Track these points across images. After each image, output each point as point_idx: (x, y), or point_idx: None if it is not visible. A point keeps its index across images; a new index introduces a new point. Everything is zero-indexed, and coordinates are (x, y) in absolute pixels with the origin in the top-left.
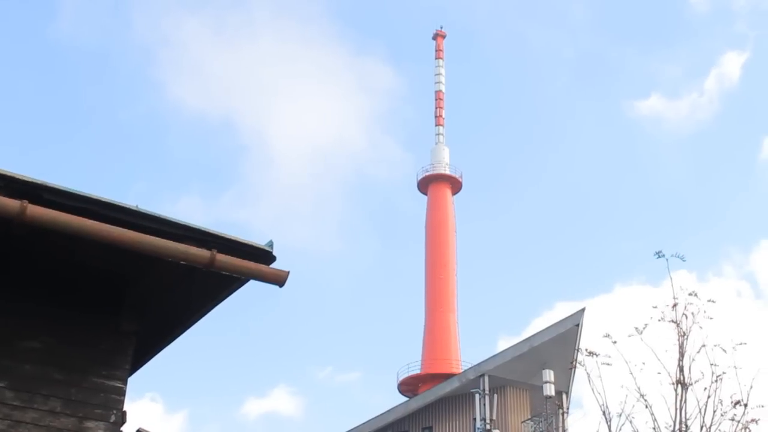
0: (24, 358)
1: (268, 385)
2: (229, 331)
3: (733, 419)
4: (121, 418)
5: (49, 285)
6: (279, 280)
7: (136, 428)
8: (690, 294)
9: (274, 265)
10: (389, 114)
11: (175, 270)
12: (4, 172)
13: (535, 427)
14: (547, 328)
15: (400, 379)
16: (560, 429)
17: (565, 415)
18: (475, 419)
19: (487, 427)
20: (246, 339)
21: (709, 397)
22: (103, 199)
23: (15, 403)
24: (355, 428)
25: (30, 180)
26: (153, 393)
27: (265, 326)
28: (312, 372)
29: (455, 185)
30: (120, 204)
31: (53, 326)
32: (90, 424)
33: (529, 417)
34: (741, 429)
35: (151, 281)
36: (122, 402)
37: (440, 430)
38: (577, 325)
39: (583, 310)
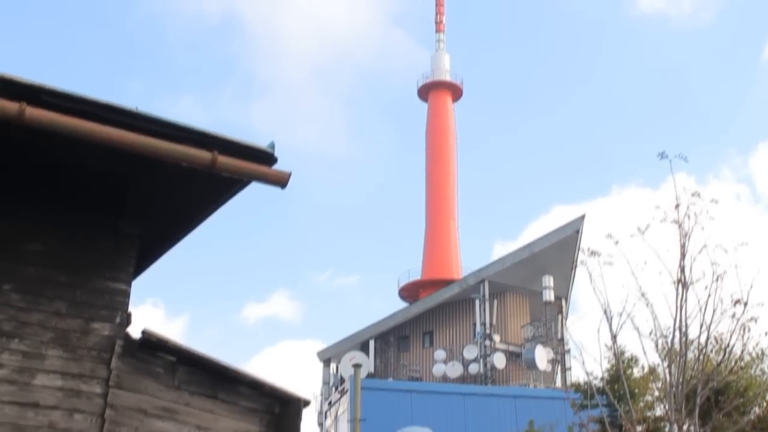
0: (27, 261)
1: (267, 289)
2: (229, 236)
3: (732, 317)
4: (126, 320)
5: (51, 188)
6: (281, 181)
7: (141, 329)
8: (693, 195)
9: (275, 167)
10: (404, 13)
11: (176, 172)
12: (1, 75)
13: (534, 332)
14: (547, 234)
15: (401, 285)
16: (559, 333)
17: (565, 320)
18: (475, 324)
19: (487, 331)
20: (245, 244)
21: (709, 296)
22: (102, 101)
23: (21, 305)
24: (356, 333)
25: (28, 82)
26: (154, 298)
27: (264, 231)
28: (311, 276)
29: (456, 92)
30: (119, 105)
31: (55, 229)
32: (96, 325)
33: (529, 322)
34: (740, 327)
35: (152, 184)
36: (127, 304)
37: (441, 335)
38: (577, 231)
39: (583, 216)
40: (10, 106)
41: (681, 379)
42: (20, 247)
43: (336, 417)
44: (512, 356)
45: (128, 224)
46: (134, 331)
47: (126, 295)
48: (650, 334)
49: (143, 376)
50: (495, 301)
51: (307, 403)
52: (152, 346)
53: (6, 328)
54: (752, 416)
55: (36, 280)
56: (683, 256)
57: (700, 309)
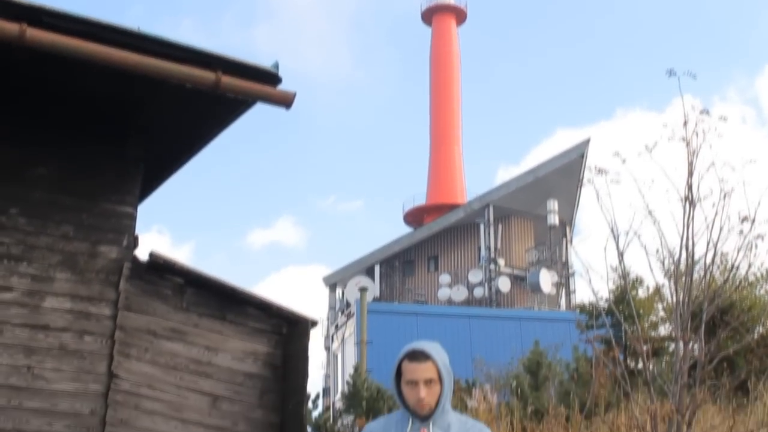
0: (33, 186)
1: (271, 215)
2: (233, 162)
3: (740, 234)
4: (133, 242)
5: (54, 112)
6: (285, 101)
7: (148, 251)
8: (701, 112)
9: (280, 87)
10: None
11: (180, 94)
12: None
13: (538, 256)
14: (552, 159)
15: (406, 210)
16: (564, 257)
17: (569, 244)
18: (479, 248)
19: (492, 256)
20: (249, 170)
21: (716, 213)
22: (104, 22)
23: (28, 229)
24: (361, 258)
25: (28, 2)
26: (160, 225)
27: (267, 156)
28: (315, 201)
29: (460, 16)
30: (121, 26)
31: (60, 153)
32: (103, 248)
33: (533, 246)
34: (747, 244)
35: (156, 106)
36: (133, 227)
37: (445, 259)
38: (582, 156)
39: (588, 140)
40: (11, 28)
41: (686, 299)
42: (26, 172)
43: (342, 340)
44: (517, 280)
45: (133, 148)
46: (141, 253)
47: (132, 218)
48: (656, 252)
49: (151, 298)
50: (499, 226)
51: (314, 323)
52: (160, 268)
53: (14, 252)
54: (756, 335)
55: (42, 205)
56: (691, 174)
57: (707, 227)
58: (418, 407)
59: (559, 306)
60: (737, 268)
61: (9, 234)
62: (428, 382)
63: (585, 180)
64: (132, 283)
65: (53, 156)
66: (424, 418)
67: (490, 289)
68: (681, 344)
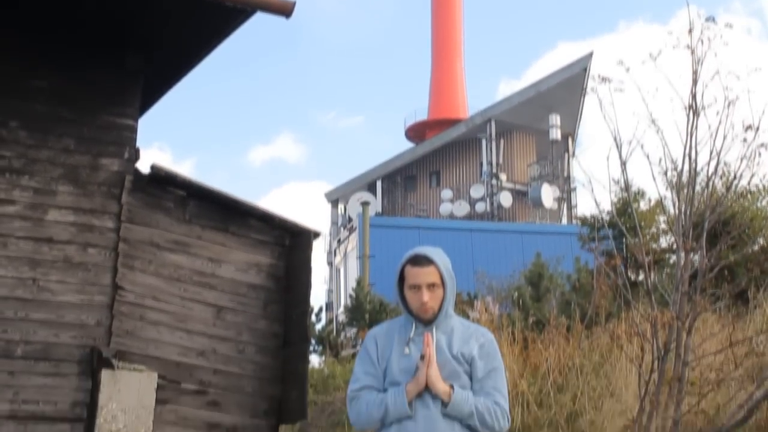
0: (33, 98)
1: (272, 131)
2: (233, 78)
3: (743, 142)
4: (135, 155)
5: (54, 24)
6: (285, 10)
7: (150, 164)
8: (707, 20)
9: None
10: None
11: (180, 4)
12: None
13: (540, 171)
14: (555, 73)
15: (407, 125)
16: (565, 172)
17: (571, 158)
18: (481, 164)
19: (494, 171)
20: (249, 85)
21: (720, 122)
22: None
23: (29, 143)
24: (363, 174)
25: None
26: (161, 142)
27: (267, 72)
28: (315, 117)
29: None
30: None
31: (60, 66)
32: (104, 161)
33: (535, 161)
34: (751, 153)
35: (155, 17)
36: (134, 139)
37: (447, 174)
38: (585, 69)
39: (590, 54)
40: None
41: (689, 209)
42: (25, 85)
43: (345, 255)
44: (518, 195)
45: (133, 60)
46: (143, 167)
47: (133, 130)
48: (659, 162)
49: (154, 210)
50: (501, 141)
51: (317, 234)
52: (162, 180)
53: (16, 166)
54: (756, 247)
55: (43, 117)
56: (695, 82)
57: (711, 136)
58: (421, 311)
59: (561, 221)
60: (740, 177)
61: (10, 147)
62: (431, 287)
63: (588, 89)
64: (134, 195)
65: (53, 69)
66: (428, 322)
67: (491, 204)
68: (682, 253)
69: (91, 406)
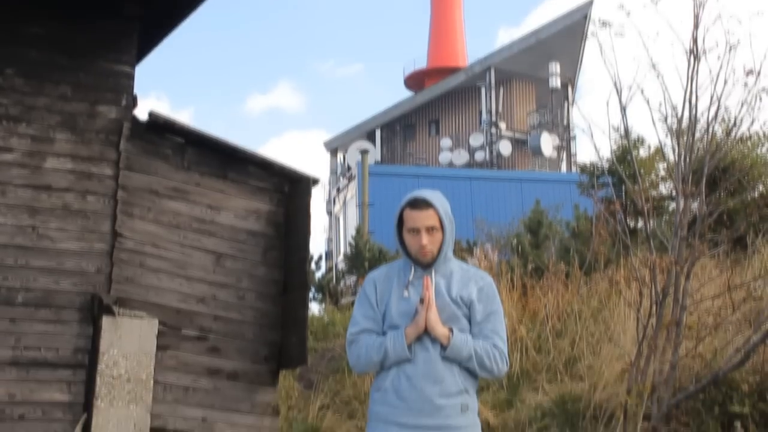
0: (29, 44)
1: (270, 80)
2: (231, 27)
3: (744, 86)
4: (132, 102)
5: None
6: None
7: (148, 111)
8: None
9: None
10: None
11: None
12: None
13: (540, 119)
14: (555, 20)
15: (406, 73)
16: (565, 120)
17: (571, 106)
18: (481, 112)
19: (493, 119)
20: (247, 34)
21: (721, 67)
22: None
23: (25, 90)
24: (362, 123)
25: None
26: (158, 91)
27: (264, 19)
28: (313, 65)
29: None
30: None
31: (56, 12)
32: (102, 108)
33: (535, 109)
34: (752, 98)
35: None
36: (131, 86)
37: (446, 123)
38: (585, 17)
39: (591, 1)
40: None
41: (688, 155)
42: (20, 31)
43: (344, 203)
44: (518, 143)
45: (129, 6)
46: (141, 114)
47: (130, 77)
48: (659, 106)
49: (152, 157)
50: (501, 89)
51: (316, 181)
52: (160, 127)
53: (13, 113)
54: (756, 193)
55: (39, 64)
56: (696, 26)
57: (712, 80)
58: (420, 254)
59: (560, 170)
60: (741, 121)
61: (6, 94)
62: (430, 230)
63: (588, 34)
64: (132, 142)
65: (49, 15)
66: (426, 265)
67: (491, 152)
68: (681, 198)
69: (93, 352)
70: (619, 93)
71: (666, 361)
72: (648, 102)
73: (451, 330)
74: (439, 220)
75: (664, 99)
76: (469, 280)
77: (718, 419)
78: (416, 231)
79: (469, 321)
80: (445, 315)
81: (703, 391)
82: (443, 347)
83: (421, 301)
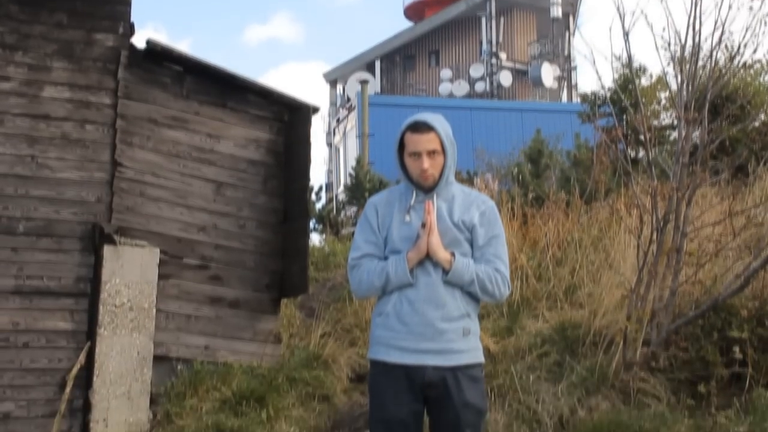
0: None
1: (268, 10)
2: None
3: (749, 11)
4: (129, 30)
5: None
6: None
7: (146, 39)
8: None
9: None
10: None
11: None
12: None
13: (541, 50)
14: None
15: (406, 3)
16: (566, 51)
17: (572, 37)
18: (481, 43)
19: (494, 50)
20: None
21: None
22: None
23: (21, 17)
24: (361, 54)
25: None
26: (155, 22)
27: None
28: None
29: None
30: None
31: None
32: (99, 36)
33: (536, 39)
34: (757, 23)
35: None
36: (128, 14)
37: (447, 54)
38: None
39: None
40: None
41: (691, 82)
42: None
43: (344, 134)
44: (518, 74)
45: None
46: (138, 42)
47: (127, 4)
48: (663, 31)
49: (151, 86)
50: (501, 19)
51: (315, 109)
52: (158, 56)
53: (9, 41)
54: (757, 123)
55: None
56: None
57: (716, 5)
58: (422, 178)
59: (561, 100)
60: (744, 46)
61: (2, 22)
62: (431, 153)
63: None
64: (130, 71)
65: None
66: (428, 190)
67: (491, 83)
68: (683, 124)
69: (95, 281)
70: (621, 18)
71: (666, 287)
72: (651, 27)
73: (452, 254)
74: (440, 144)
75: (668, 24)
76: (471, 204)
77: (717, 344)
78: (417, 155)
79: (471, 245)
80: (446, 239)
81: (702, 316)
82: (445, 271)
83: (423, 225)
